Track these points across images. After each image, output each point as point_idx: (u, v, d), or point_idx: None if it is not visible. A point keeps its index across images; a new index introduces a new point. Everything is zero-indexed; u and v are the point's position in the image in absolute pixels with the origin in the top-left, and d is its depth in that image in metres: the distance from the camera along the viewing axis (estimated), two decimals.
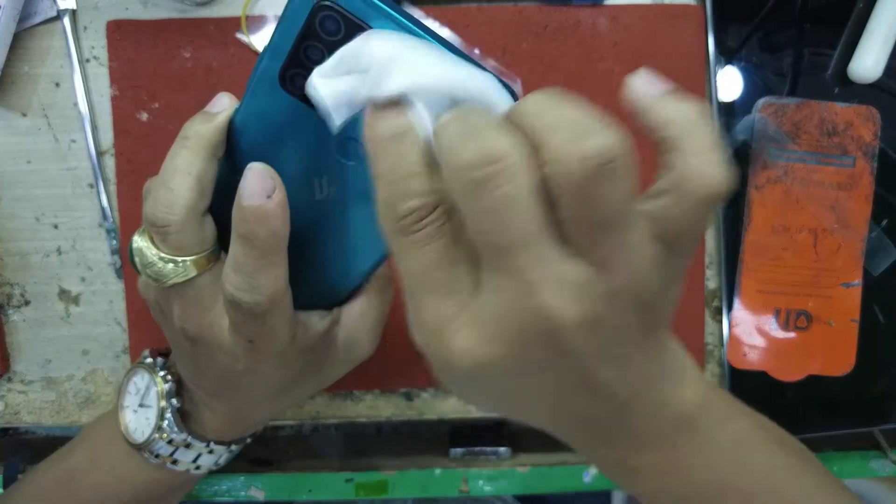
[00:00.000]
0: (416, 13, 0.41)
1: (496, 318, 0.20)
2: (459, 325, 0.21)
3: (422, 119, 0.22)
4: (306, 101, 0.26)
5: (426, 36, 0.25)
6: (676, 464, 0.26)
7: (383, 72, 0.22)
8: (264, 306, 0.27)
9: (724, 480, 0.27)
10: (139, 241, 0.28)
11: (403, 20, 0.24)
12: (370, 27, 0.24)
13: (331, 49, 0.25)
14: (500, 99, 0.23)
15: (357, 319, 0.32)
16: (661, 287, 0.21)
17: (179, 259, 0.27)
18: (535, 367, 0.22)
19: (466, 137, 0.20)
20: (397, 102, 0.22)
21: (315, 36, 0.25)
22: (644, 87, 0.21)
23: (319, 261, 0.30)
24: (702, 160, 0.20)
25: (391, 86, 0.21)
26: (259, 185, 0.25)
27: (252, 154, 0.27)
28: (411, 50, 0.22)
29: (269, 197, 0.26)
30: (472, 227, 0.20)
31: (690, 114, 0.20)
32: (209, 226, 0.28)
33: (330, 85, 0.23)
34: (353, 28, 0.24)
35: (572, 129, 0.19)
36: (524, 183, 0.19)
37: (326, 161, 0.27)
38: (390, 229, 0.22)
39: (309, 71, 0.25)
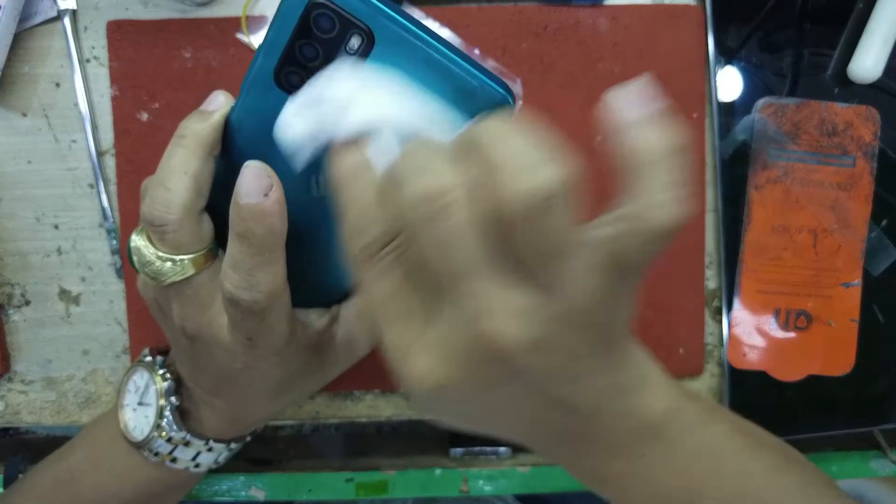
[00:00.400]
0: (416, 14, 0.41)
1: (449, 344, 0.22)
2: (417, 350, 0.22)
3: (384, 153, 0.23)
4: None
5: (421, 31, 0.25)
6: (645, 472, 0.27)
7: (340, 113, 0.23)
8: (263, 304, 0.27)
9: (697, 488, 0.27)
10: (137, 240, 0.28)
11: (397, 16, 0.25)
12: (365, 24, 0.24)
13: (325, 46, 0.25)
14: (456, 125, 0.24)
15: (355, 317, 0.32)
16: (611, 307, 0.22)
17: (177, 258, 0.28)
18: (493, 386, 0.23)
19: (414, 174, 0.21)
20: (354, 141, 0.24)
21: (309, 34, 0.25)
22: (624, 106, 0.21)
23: (317, 258, 0.30)
24: (663, 197, 0.20)
25: (347, 126, 0.23)
26: (256, 183, 0.26)
27: (248, 152, 0.27)
28: (367, 89, 0.24)
29: (266, 195, 0.26)
30: (423, 258, 0.21)
31: (661, 146, 0.20)
32: (206, 224, 0.29)
33: (296, 127, 0.25)
34: (346, 25, 0.25)
35: (517, 163, 0.20)
36: (467, 217, 0.20)
37: (322, 159, 0.27)
38: (353, 259, 0.23)
39: (304, 68, 0.26)
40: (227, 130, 0.28)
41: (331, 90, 0.24)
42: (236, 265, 0.27)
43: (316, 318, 0.31)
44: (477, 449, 0.46)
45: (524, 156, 0.20)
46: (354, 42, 0.25)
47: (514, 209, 0.20)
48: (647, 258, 0.22)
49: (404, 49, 0.25)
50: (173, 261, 0.28)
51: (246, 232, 0.26)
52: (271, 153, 0.27)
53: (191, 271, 0.28)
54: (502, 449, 0.46)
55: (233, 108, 0.28)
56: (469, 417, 0.26)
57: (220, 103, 0.28)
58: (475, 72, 0.25)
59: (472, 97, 0.25)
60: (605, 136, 0.21)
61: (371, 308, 0.24)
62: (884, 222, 0.43)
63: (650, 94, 0.21)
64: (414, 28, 0.25)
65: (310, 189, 0.28)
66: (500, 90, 0.25)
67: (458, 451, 0.46)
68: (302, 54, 0.25)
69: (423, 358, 0.22)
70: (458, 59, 0.25)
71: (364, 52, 0.25)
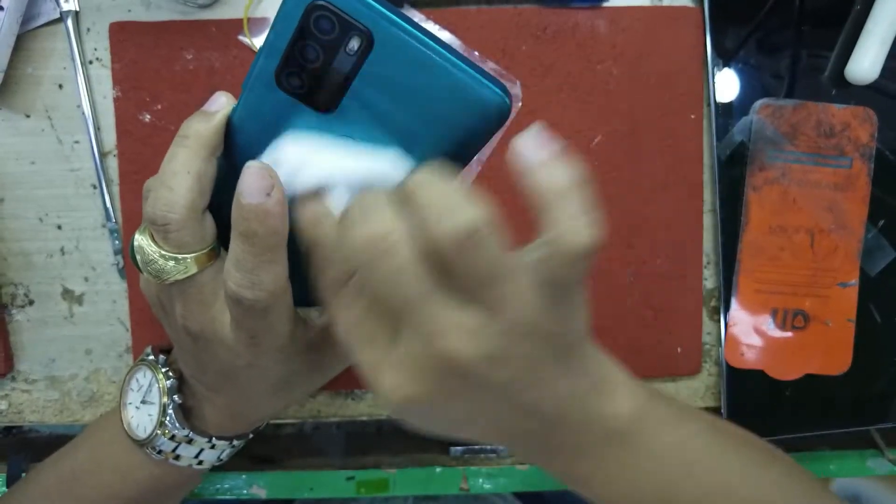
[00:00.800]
0: (416, 16, 0.41)
1: (411, 363, 0.24)
2: (384, 369, 0.25)
3: (339, 204, 0.26)
4: (303, 99, 0.26)
5: (420, 34, 0.25)
6: (616, 472, 0.28)
7: (297, 171, 0.26)
8: (265, 302, 0.27)
9: (670, 487, 0.28)
10: (140, 239, 0.28)
11: (397, 18, 0.25)
12: (364, 26, 0.25)
13: (325, 48, 0.25)
14: (397, 173, 0.26)
15: None
16: (558, 318, 0.24)
17: (180, 256, 0.28)
18: (457, 397, 0.25)
19: (357, 222, 0.24)
20: (314, 193, 0.26)
21: (310, 35, 0.25)
22: (527, 151, 0.24)
23: None
24: (571, 225, 0.23)
25: (304, 182, 0.26)
26: (258, 183, 0.26)
27: (250, 152, 0.28)
28: (318, 151, 0.27)
29: (268, 195, 0.26)
30: (375, 294, 0.24)
31: (563, 181, 0.23)
32: (209, 223, 0.29)
33: None
34: (346, 27, 0.25)
35: (441, 207, 0.23)
36: (408, 255, 0.23)
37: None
38: (322, 293, 0.27)
39: (305, 70, 0.26)
40: (230, 130, 0.28)
41: (286, 154, 0.26)
42: (239, 264, 0.27)
43: (317, 317, 0.32)
44: (477, 447, 0.46)
45: (447, 199, 0.23)
46: (354, 44, 0.25)
47: (445, 244, 0.22)
48: (577, 275, 0.24)
49: (403, 51, 0.25)
50: (176, 259, 0.28)
51: (248, 232, 0.26)
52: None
53: (193, 270, 0.28)
54: (502, 447, 0.46)
55: (234, 109, 0.28)
56: (442, 425, 0.28)
57: (221, 104, 0.28)
58: (474, 74, 0.25)
59: (471, 99, 0.25)
60: (516, 179, 0.24)
61: (342, 334, 0.27)
62: (881, 223, 0.43)
63: (546, 138, 0.24)
64: (413, 30, 0.25)
65: None
66: (499, 92, 0.25)
67: (458, 449, 0.46)
68: (303, 56, 0.26)
69: (390, 375, 0.25)
70: (458, 61, 0.25)
71: (363, 54, 0.25)
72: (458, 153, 0.27)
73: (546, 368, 0.25)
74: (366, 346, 0.26)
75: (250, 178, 0.26)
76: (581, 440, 0.28)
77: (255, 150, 0.28)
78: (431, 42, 0.25)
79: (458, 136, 0.26)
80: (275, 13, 0.26)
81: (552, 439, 0.28)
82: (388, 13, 0.25)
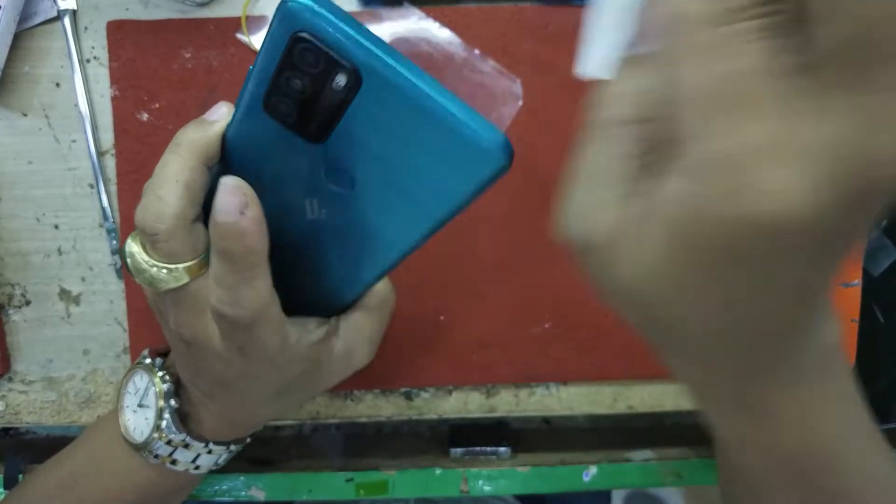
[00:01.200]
0: (416, 14, 0.41)
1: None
2: (783, 153, 0.15)
3: None
4: (290, 126, 0.26)
5: (410, 74, 0.23)
6: (807, 409, 0.23)
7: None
8: (248, 319, 0.27)
9: (842, 441, 0.25)
10: (131, 246, 0.28)
11: (384, 56, 0.23)
12: (350, 63, 0.23)
13: (311, 80, 0.24)
14: None
15: (355, 330, 0.32)
16: None
17: (171, 266, 0.27)
18: (725, 273, 0.17)
19: None
20: None
21: (295, 67, 0.24)
22: None
23: (316, 273, 0.30)
24: None
25: None
26: (232, 200, 0.25)
27: (244, 168, 0.27)
28: None
29: (242, 213, 0.25)
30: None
31: None
32: (200, 233, 0.28)
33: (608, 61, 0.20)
34: (332, 62, 0.23)
35: None
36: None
37: (315, 185, 0.27)
38: (706, 19, 0.16)
39: (291, 98, 0.25)
40: (225, 144, 0.28)
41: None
42: (220, 281, 0.26)
43: (314, 328, 0.31)
44: (477, 449, 0.46)
45: None
46: (341, 80, 0.24)
47: None
48: None
49: (393, 91, 0.23)
50: (168, 269, 0.27)
51: (225, 251, 0.26)
52: (265, 173, 0.27)
53: (185, 279, 0.28)
54: (502, 449, 0.46)
55: (229, 125, 0.27)
56: (658, 304, 0.19)
57: (221, 114, 0.27)
58: (468, 118, 0.23)
59: (465, 145, 0.24)
60: None
61: (700, 92, 0.16)
62: (884, 223, 0.43)
63: None
64: (402, 69, 0.23)
65: (304, 211, 0.28)
66: (496, 139, 0.23)
67: (458, 451, 0.46)
68: (289, 86, 0.25)
69: (785, 169, 0.15)
70: (450, 105, 0.23)
71: (352, 90, 0.24)
72: (451, 201, 0.25)
73: (831, 268, 0.18)
74: (773, 110, 0.15)
75: (224, 195, 0.25)
76: (799, 357, 0.21)
77: (249, 168, 0.27)
78: (424, 84, 0.23)
79: (451, 183, 0.25)
80: (273, 12, 0.25)
81: (767, 354, 0.21)
82: (372, 47, 0.23)
